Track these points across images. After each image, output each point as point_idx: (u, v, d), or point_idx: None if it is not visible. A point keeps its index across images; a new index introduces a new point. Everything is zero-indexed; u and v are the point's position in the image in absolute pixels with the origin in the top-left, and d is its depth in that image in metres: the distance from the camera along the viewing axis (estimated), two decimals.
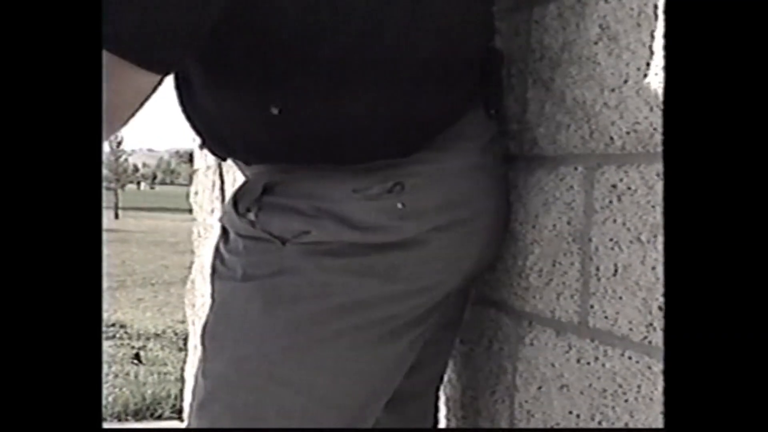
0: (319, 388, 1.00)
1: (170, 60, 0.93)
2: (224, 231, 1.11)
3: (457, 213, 1.02)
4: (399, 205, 0.98)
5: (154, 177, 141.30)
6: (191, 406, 1.09)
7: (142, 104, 0.94)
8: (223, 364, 1.03)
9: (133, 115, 0.95)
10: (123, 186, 58.25)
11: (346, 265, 0.99)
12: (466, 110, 1.05)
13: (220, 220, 1.14)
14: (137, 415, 3.84)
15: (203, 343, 1.08)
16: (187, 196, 3.21)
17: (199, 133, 1.12)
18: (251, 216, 1.04)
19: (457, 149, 1.03)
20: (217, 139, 1.10)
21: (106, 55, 0.93)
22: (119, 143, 58.83)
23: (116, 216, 42.61)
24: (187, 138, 2.60)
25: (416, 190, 0.99)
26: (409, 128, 1.01)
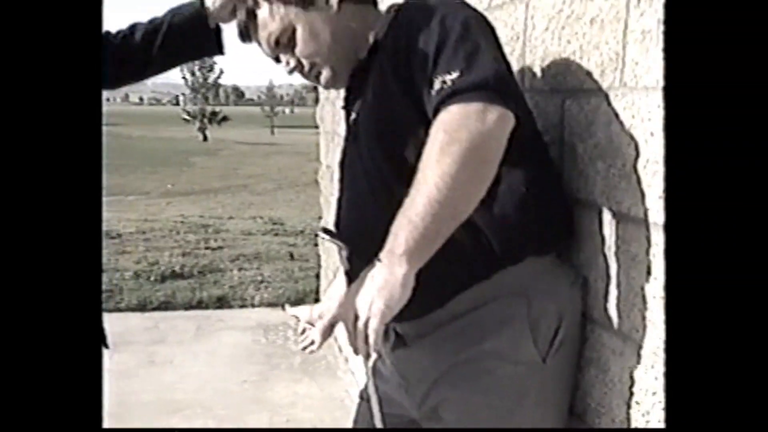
0: None
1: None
2: None
3: None
4: None
5: (292, 102, 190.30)
6: None
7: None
8: None
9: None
10: (274, 110, 71.10)
11: None
12: None
13: None
14: (297, 303, 4.34)
15: None
16: (313, 116, 4.49)
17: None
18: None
19: None
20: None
21: (462, 108, 1.08)
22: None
23: (272, 132, 53.87)
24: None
25: None
26: None
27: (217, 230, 7.90)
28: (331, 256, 3.83)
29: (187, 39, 1.53)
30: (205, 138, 41.45)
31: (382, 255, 1.11)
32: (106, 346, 1.49)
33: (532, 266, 1.23)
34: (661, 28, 1.05)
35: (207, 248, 6.59)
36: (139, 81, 1.66)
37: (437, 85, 1.11)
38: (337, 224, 1.39)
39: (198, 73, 48.31)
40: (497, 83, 1.10)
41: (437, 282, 1.16)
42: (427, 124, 1.14)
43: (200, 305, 4.70)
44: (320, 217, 4.50)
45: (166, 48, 1.52)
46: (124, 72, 1.54)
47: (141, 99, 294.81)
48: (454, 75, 1.10)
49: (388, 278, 1.09)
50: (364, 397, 1.50)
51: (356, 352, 1.15)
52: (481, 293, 1.21)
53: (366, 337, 1.11)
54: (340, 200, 1.39)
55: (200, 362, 3.71)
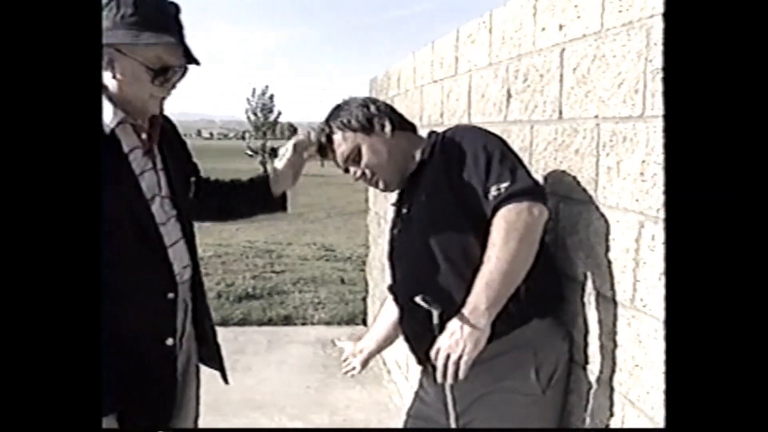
0: None
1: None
2: None
3: None
4: None
5: None
6: None
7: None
8: None
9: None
10: None
11: None
12: None
13: None
14: (348, 323, 5.02)
15: None
16: None
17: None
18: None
19: None
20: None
21: (516, 207, 1.36)
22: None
23: (322, 165, 51.99)
24: None
25: None
26: None
27: (279, 255, 8.20)
28: (378, 284, 4.12)
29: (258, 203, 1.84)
30: (266, 170, 41.98)
31: (466, 311, 1.32)
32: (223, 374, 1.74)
33: (537, 325, 1.50)
34: (624, 166, 1.35)
35: (272, 272, 6.91)
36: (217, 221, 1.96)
37: (494, 191, 1.38)
38: (393, 288, 1.71)
39: (259, 114, 49.22)
40: (535, 189, 1.40)
41: None
42: (468, 217, 1.44)
43: (270, 322, 5.00)
44: (367, 246, 4.78)
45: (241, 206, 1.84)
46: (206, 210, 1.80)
47: (211, 134, 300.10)
48: (506, 184, 1.38)
49: (477, 326, 1.31)
50: (411, 415, 1.75)
51: (443, 379, 1.35)
52: (502, 344, 1.43)
53: (457, 369, 1.33)
54: (394, 275, 1.68)
55: (272, 370, 4.01)
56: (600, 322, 1.45)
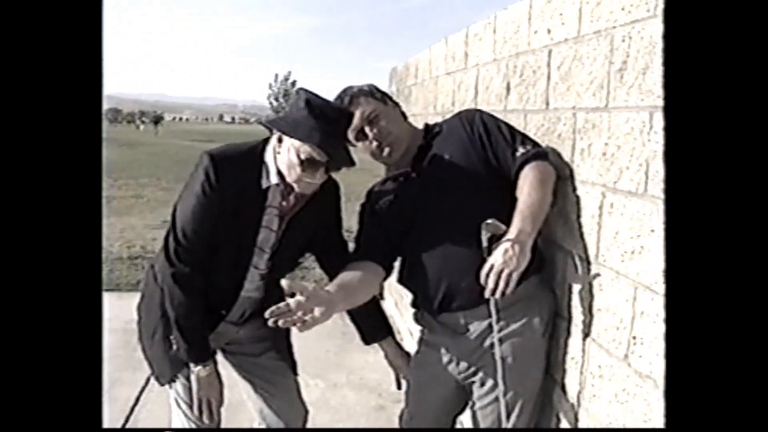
0: None
1: None
2: None
3: None
4: None
5: None
6: None
7: None
8: None
9: None
10: None
11: None
12: None
13: None
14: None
15: None
16: None
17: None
18: None
19: None
20: None
21: (541, 163, 1.72)
22: None
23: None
24: None
25: None
26: None
27: None
28: None
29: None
30: None
31: (513, 234, 1.53)
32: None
33: (535, 280, 1.76)
34: (593, 148, 1.65)
35: None
36: None
37: (521, 150, 1.72)
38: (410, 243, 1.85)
39: (281, 99, 49.61)
40: (549, 154, 1.77)
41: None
42: (492, 173, 1.74)
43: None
44: None
45: None
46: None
47: (233, 119, 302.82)
48: (529, 147, 1.74)
49: (525, 245, 1.53)
50: (429, 344, 1.93)
51: (492, 294, 1.52)
52: (512, 296, 1.57)
53: (508, 282, 1.50)
54: (408, 232, 1.85)
55: (295, 336, 4.34)
56: (572, 276, 1.76)
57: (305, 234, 1.92)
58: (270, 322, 1.42)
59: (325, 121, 1.66)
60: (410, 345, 3.89)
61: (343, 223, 2.04)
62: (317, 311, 1.46)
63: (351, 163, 1.71)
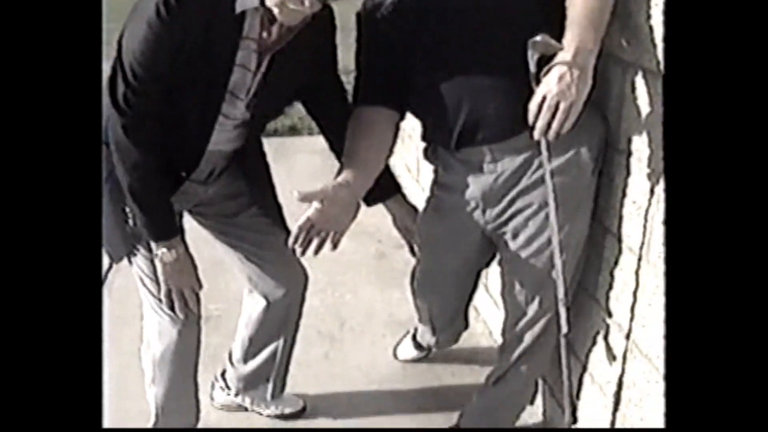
0: None
1: None
2: None
3: None
4: None
5: None
6: None
7: None
8: None
9: None
10: None
11: None
12: None
13: None
14: None
15: None
16: None
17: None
18: None
19: None
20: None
21: None
22: None
23: None
24: None
25: None
26: None
27: None
28: None
29: None
30: None
31: (567, 57, 1.18)
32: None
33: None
34: None
35: None
36: None
37: None
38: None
39: None
40: None
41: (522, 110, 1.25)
42: None
43: (276, 133, 4.94)
44: None
45: None
46: None
47: None
48: None
49: (587, 67, 1.18)
50: (445, 186, 1.58)
51: (545, 133, 1.21)
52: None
53: (566, 118, 1.18)
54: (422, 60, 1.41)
55: (282, 178, 4.12)
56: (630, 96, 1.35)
57: (293, 77, 1.49)
58: (298, 252, 1.30)
59: None
60: (407, 181, 3.37)
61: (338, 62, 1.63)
62: (345, 216, 1.36)
63: None
